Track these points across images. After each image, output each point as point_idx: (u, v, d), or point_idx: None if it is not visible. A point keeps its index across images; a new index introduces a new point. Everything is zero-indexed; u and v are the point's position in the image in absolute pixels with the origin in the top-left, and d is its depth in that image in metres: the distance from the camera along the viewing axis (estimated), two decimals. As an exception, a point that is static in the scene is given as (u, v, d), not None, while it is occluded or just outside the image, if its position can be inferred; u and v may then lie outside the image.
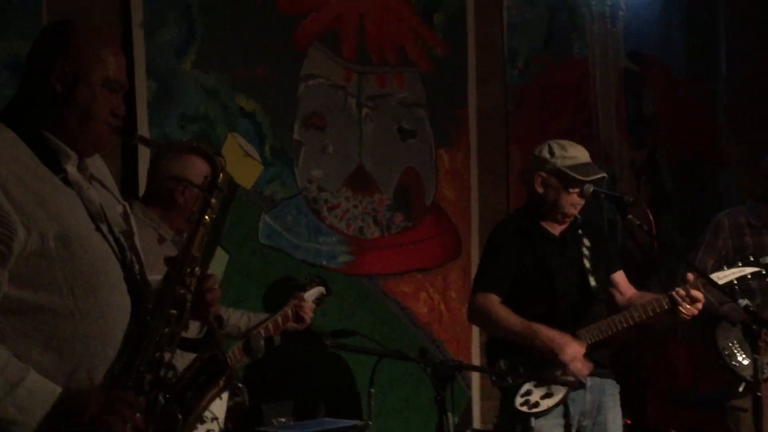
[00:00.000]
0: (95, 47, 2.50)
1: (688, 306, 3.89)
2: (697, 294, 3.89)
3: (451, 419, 3.27)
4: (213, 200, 2.59)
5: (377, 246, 5.83)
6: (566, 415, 3.93)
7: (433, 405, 3.19)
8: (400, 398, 5.75)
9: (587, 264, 4.05)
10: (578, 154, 4.05)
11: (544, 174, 4.05)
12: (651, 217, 4.03)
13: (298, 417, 4.99)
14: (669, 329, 6.73)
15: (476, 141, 6.26)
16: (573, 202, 4.01)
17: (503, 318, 3.92)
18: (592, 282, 4.02)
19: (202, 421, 3.72)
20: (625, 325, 3.99)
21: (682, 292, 3.89)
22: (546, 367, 3.86)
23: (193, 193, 3.72)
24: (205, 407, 2.46)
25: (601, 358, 4.00)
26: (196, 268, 2.52)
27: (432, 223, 6.07)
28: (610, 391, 4.06)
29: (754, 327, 3.76)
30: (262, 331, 4.09)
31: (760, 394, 3.86)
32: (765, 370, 4.89)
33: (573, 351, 3.84)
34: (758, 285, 5.02)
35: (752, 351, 3.84)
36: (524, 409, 3.89)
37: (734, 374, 4.96)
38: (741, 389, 4.92)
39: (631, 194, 6.53)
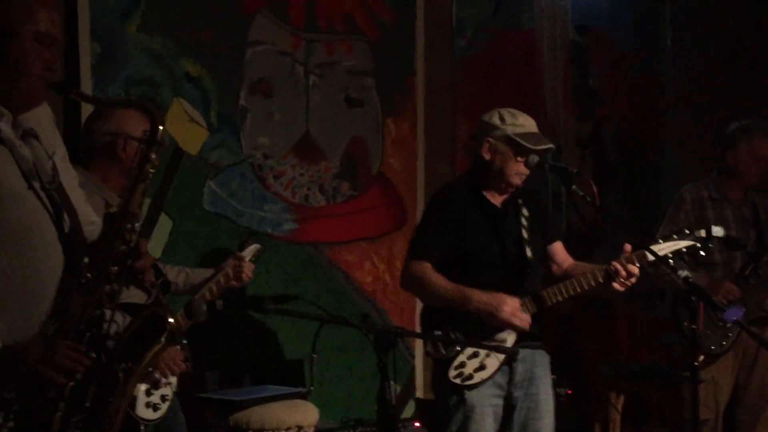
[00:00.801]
0: (25, 1, 2.46)
1: (622, 280, 3.86)
2: (633, 268, 3.87)
3: (394, 387, 3.27)
4: (152, 155, 2.55)
5: (323, 214, 5.82)
6: (499, 386, 3.90)
7: (376, 373, 3.18)
8: (344, 366, 5.76)
9: (525, 234, 3.99)
10: (527, 123, 4.02)
11: (492, 140, 3.97)
12: (594, 189, 4.04)
13: (242, 384, 4.98)
14: (612, 301, 6.80)
15: (423, 111, 6.26)
16: (519, 171, 3.95)
17: (436, 284, 3.85)
18: (529, 253, 3.96)
19: (157, 387, 3.71)
20: (560, 299, 3.93)
21: (618, 265, 3.86)
22: (481, 338, 3.82)
23: (133, 148, 3.65)
24: (148, 364, 2.45)
25: (532, 329, 3.94)
26: (136, 224, 2.49)
27: (378, 193, 6.07)
28: (541, 362, 4.02)
29: (692, 299, 3.81)
30: (207, 294, 4.06)
31: (696, 364, 3.91)
32: (724, 342, 4.97)
33: (510, 307, 3.80)
34: (721, 258, 5.09)
35: (690, 322, 3.89)
36: (457, 381, 3.83)
37: (696, 345, 5.02)
38: (700, 360, 4.99)
39: (576, 166, 6.56)
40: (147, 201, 3.86)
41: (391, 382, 3.28)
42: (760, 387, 5.13)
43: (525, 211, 4.02)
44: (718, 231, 3.95)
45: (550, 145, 4.01)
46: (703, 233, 3.94)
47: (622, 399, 5.83)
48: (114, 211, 2.51)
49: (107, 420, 2.39)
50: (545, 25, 6.95)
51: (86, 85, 4.79)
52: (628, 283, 3.87)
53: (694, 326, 3.88)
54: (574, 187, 3.91)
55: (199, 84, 5.32)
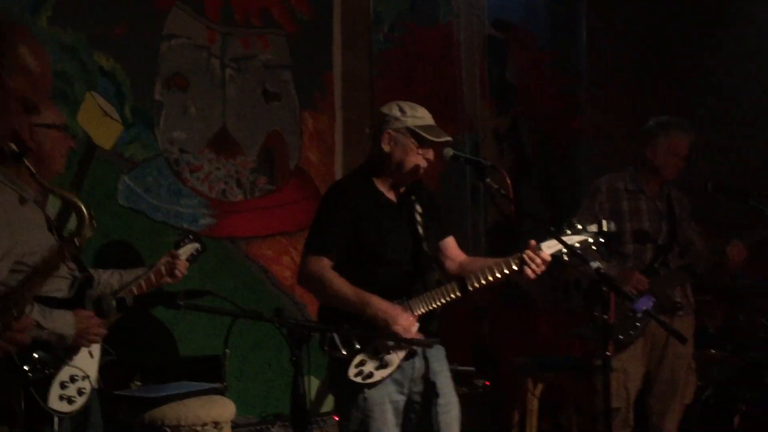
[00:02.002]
0: None
1: (534, 267, 3.88)
2: (545, 255, 3.91)
3: (309, 381, 3.26)
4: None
5: (240, 209, 5.79)
6: (398, 383, 3.87)
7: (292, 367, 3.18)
8: (262, 361, 5.74)
9: (420, 230, 3.97)
10: (426, 115, 3.99)
11: (392, 132, 3.94)
12: (509, 182, 4.06)
13: (158, 381, 4.93)
14: (529, 293, 6.87)
15: (341, 105, 6.26)
16: (419, 163, 3.93)
17: (335, 285, 3.80)
18: (425, 248, 3.95)
19: (73, 380, 3.67)
20: (481, 284, 3.92)
21: (531, 253, 3.89)
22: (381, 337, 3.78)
23: (42, 133, 3.62)
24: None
25: (430, 325, 3.93)
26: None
27: (296, 187, 6.06)
28: (438, 356, 4.01)
29: (603, 289, 3.85)
30: (134, 290, 4.01)
31: (609, 354, 3.95)
32: (631, 332, 5.05)
33: (405, 322, 3.76)
34: (633, 249, 5.17)
35: (602, 312, 3.94)
36: (358, 380, 3.79)
37: (608, 335, 5.08)
38: (608, 351, 5.06)
39: (494, 161, 6.61)
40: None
41: (310, 377, 3.28)
42: (670, 377, 5.22)
43: (418, 207, 3.99)
44: (609, 226, 4.00)
45: (449, 138, 3.97)
46: (594, 228, 3.98)
47: (539, 390, 5.89)
48: None
49: None
50: (462, 20, 6.99)
51: (-4, 79, 4.70)
52: (538, 270, 3.89)
53: (605, 316, 3.92)
54: (488, 180, 3.92)
55: (113, 78, 5.26)
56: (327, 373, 3.90)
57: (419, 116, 3.95)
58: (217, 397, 4.68)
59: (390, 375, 3.80)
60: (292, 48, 6.03)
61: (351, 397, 3.81)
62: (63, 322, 3.51)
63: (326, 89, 6.21)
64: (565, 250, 3.92)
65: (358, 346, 3.76)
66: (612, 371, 5.03)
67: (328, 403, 6.01)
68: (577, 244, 3.95)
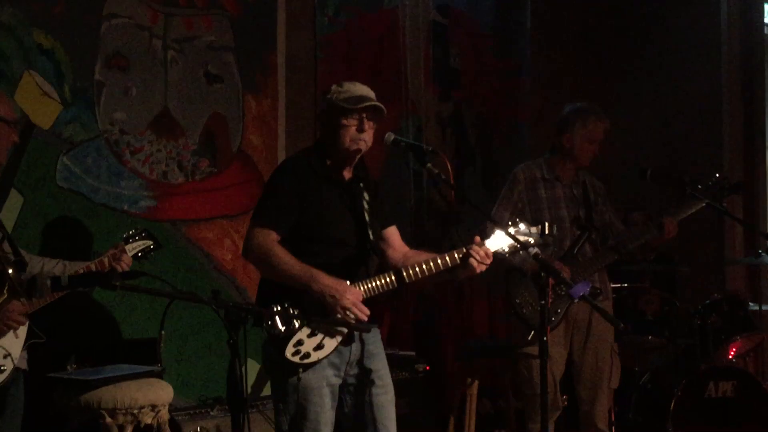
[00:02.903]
0: None
1: (478, 261, 3.89)
2: (489, 251, 3.92)
3: (247, 364, 3.25)
4: None
5: (181, 191, 5.75)
6: (335, 366, 3.85)
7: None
8: (202, 344, 5.72)
9: (366, 216, 3.94)
10: (355, 88, 3.95)
11: (324, 112, 3.95)
12: (449, 167, 4.06)
13: (96, 363, 4.90)
14: (466, 280, 6.90)
15: (284, 88, 6.23)
16: (351, 136, 3.87)
17: (282, 259, 3.75)
18: (371, 235, 3.95)
19: None
20: (419, 277, 3.93)
21: (476, 247, 3.90)
22: (321, 315, 3.78)
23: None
24: None
25: (370, 311, 3.92)
26: None
27: (238, 170, 6.03)
28: (374, 339, 4.01)
29: (542, 274, 3.88)
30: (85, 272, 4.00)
31: (546, 339, 3.98)
32: (553, 318, 5.10)
33: (352, 296, 3.74)
34: (552, 237, 5.21)
35: (540, 298, 3.97)
36: (296, 359, 3.74)
37: (525, 323, 5.13)
38: (530, 337, 5.10)
39: (437, 146, 6.63)
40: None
41: (248, 361, 3.27)
42: (594, 363, 5.26)
43: (366, 195, 3.99)
44: (552, 230, 4.02)
45: (371, 103, 3.91)
46: (536, 230, 4.00)
47: (479, 374, 5.92)
48: None
49: None
50: (407, 4, 6.99)
51: (-69, 56, 4.63)
52: (484, 265, 3.90)
53: (543, 302, 3.95)
54: (429, 165, 3.92)
55: (52, 56, 5.19)
56: (263, 354, 3.86)
57: (344, 90, 3.92)
58: (155, 380, 4.66)
59: (327, 356, 3.79)
60: (235, 30, 5.99)
61: (287, 379, 3.78)
62: None
63: (269, 72, 6.18)
64: (506, 249, 3.94)
65: (296, 325, 3.73)
66: (534, 357, 5.13)
67: (269, 387, 6.01)
68: (518, 246, 3.97)
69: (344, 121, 3.87)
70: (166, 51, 5.68)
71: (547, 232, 3.95)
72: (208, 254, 5.87)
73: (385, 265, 4.04)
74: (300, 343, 3.75)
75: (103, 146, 5.40)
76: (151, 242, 4.47)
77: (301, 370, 3.75)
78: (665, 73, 7.69)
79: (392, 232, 4.15)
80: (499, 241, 3.97)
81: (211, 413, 5.32)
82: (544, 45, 7.76)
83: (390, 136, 4.00)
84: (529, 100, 7.70)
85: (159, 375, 4.76)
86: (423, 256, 4.00)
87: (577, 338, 5.25)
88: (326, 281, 3.73)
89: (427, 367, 6.12)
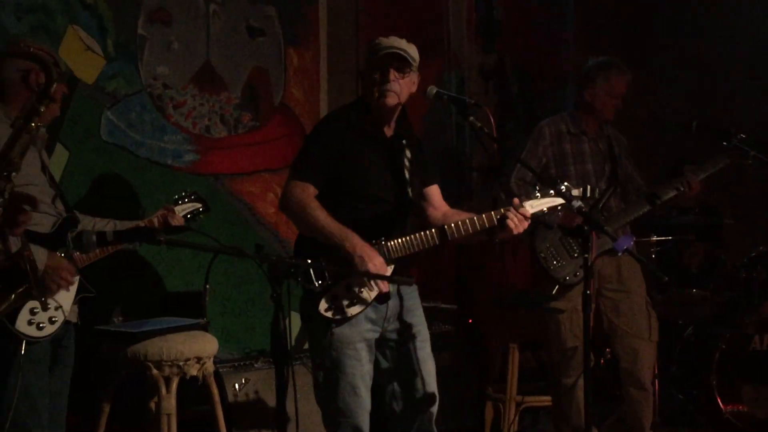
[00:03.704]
0: None
1: (516, 224, 3.86)
2: (527, 213, 3.89)
3: (289, 318, 3.27)
4: (42, 108, 2.49)
5: (224, 145, 5.77)
6: (372, 321, 3.85)
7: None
8: (246, 298, 5.76)
9: (407, 174, 3.92)
10: (387, 41, 3.89)
11: (364, 68, 3.94)
12: (492, 120, 4.04)
13: (141, 316, 4.95)
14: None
15: (326, 40, 6.21)
16: (378, 89, 3.84)
17: (317, 215, 3.74)
18: (410, 193, 3.92)
19: (45, 308, 3.71)
20: (461, 234, 3.91)
21: (513, 211, 3.86)
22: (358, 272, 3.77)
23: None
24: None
25: (406, 269, 3.92)
26: (13, 173, 2.43)
27: (280, 123, 6.03)
28: (412, 294, 4.01)
29: (585, 228, 3.87)
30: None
31: (589, 293, 3.98)
32: (569, 276, 5.07)
33: (379, 264, 3.72)
34: (594, 200, 5.18)
35: (583, 251, 3.96)
36: (329, 314, 3.77)
37: (549, 276, 5.11)
38: (554, 292, 5.09)
39: (480, 98, 6.59)
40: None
41: (291, 313, 3.28)
42: (630, 317, 5.18)
43: (408, 153, 3.96)
44: (594, 192, 3.99)
45: (388, 51, 3.86)
46: (578, 192, 3.96)
47: (521, 327, 5.92)
48: None
49: None
50: (450, -45, 6.93)
51: (-24, 12, 4.66)
52: (520, 228, 3.87)
53: (586, 255, 3.94)
54: (471, 118, 3.89)
55: (95, 11, 5.20)
56: (300, 308, 3.88)
57: (381, 45, 3.88)
58: (200, 333, 4.70)
59: (361, 312, 3.80)
60: (276, -18, 5.98)
61: (322, 332, 3.81)
62: (38, 258, 3.51)
63: (311, 25, 6.16)
64: (545, 210, 3.92)
65: (330, 281, 3.75)
66: (562, 312, 5.12)
67: (312, 340, 6.05)
68: (559, 208, 3.95)
69: (372, 75, 3.85)
70: (208, 5, 5.67)
71: (588, 195, 3.93)
72: (251, 208, 5.90)
73: (424, 224, 4.03)
74: (334, 298, 3.76)
75: (146, 101, 5.42)
76: (200, 204, 4.55)
77: (334, 325, 3.76)
78: (711, 28, 7.56)
79: (434, 191, 4.13)
80: (538, 202, 3.94)
81: (255, 365, 5.37)
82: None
83: (432, 90, 3.97)
84: (572, 52, 7.62)
85: (204, 328, 4.80)
86: (463, 215, 3.98)
87: (607, 294, 5.21)
88: (357, 243, 3.71)
89: (470, 321, 6.13)
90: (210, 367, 4.63)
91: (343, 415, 3.82)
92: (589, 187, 3.94)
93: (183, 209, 4.45)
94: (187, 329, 4.66)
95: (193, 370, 4.55)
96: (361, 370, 3.83)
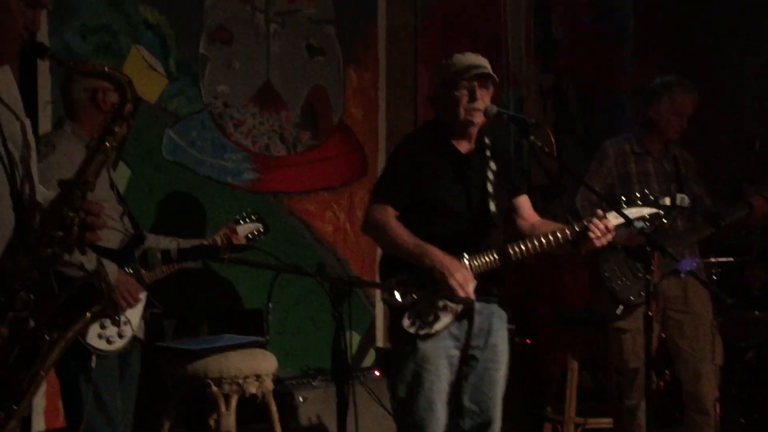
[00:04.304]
0: None
1: (599, 235, 3.83)
2: (610, 225, 3.86)
3: (350, 336, 3.27)
4: (116, 128, 2.52)
5: (283, 164, 5.81)
6: (455, 337, 3.85)
7: (334, 322, 3.19)
8: (303, 316, 5.78)
9: (490, 188, 3.91)
10: (464, 58, 3.91)
11: (437, 86, 3.95)
12: (553, 140, 4.02)
13: (199, 333, 4.99)
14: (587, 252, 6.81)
15: (385, 60, 6.23)
16: (464, 107, 3.86)
17: (397, 233, 3.80)
18: (492, 207, 3.91)
19: (115, 323, 3.76)
20: (526, 255, 3.90)
21: (596, 220, 3.84)
22: (437, 289, 3.78)
23: (113, 98, 3.76)
24: (72, 337, 2.43)
25: (490, 285, 3.92)
26: (88, 193, 2.46)
27: (339, 142, 6.06)
28: (498, 314, 4.01)
29: (647, 249, 3.83)
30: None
31: (651, 314, 3.94)
32: (633, 296, 5.01)
33: (462, 277, 3.72)
34: (683, 208, 5.11)
35: (645, 272, 3.92)
36: (413, 330, 3.79)
37: (613, 296, 5.07)
38: (618, 311, 5.04)
39: (538, 117, 6.57)
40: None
41: (351, 332, 3.29)
42: (694, 340, 5.12)
43: (493, 165, 3.96)
44: (683, 200, 3.95)
45: (484, 70, 3.89)
46: (667, 201, 3.93)
47: (579, 347, 5.87)
48: (68, 178, 2.47)
49: (27, 382, 2.37)
50: (508, -26, 6.92)
51: (42, 32, 4.72)
52: (604, 240, 3.85)
53: (648, 276, 3.91)
54: (532, 137, 3.87)
55: (158, 31, 5.27)
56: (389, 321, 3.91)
57: (454, 62, 3.91)
58: (259, 351, 4.73)
59: (445, 328, 3.80)
60: (336, 2, 6.00)
61: (405, 347, 3.82)
62: (108, 272, 3.56)
63: (370, 44, 6.18)
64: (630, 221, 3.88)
65: (414, 297, 3.76)
66: (624, 332, 5.06)
67: (369, 358, 6.06)
68: (647, 216, 3.91)
69: (456, 93, 3.86)
70: (268, 25, 5.72)
71: (678, 203, 3.89)
72: (310, 226, 5.92)
73: (514, 235, 4.02)
74: (417, 314, 3.78)
75: (207, 119, 5.48)
76: (261, 225, 4.63)
77: (418, 340, 3.78)
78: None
79: (522, 202, 4.12)
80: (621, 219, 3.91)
81: (313, 383, 5.37)
82: (646, 13, 7.60)
83: (493, 109, 3.96)
84: (630, 70, 7.57)
85: (262, 345, 4.83)
86: (550, 226, 3.97)
87: (672, 315, 5.15)
88: (438, 257, 3.72)
89: (527, 341, 6.10)
90: (269, 384, 4.66)
91: (419, 430, 3.83)
92: (678, 195, 3.91)
93: (245, 230, 4.51)
94: (247, 347, 4.69)
95: (253, 388, 4.58)
96: (439, 386, 3.84)
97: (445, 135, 3.95)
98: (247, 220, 4.57)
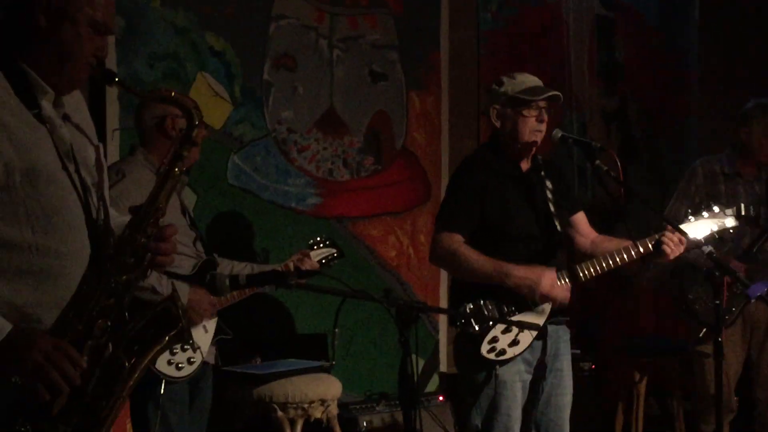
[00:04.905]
0: None
1: (671, 249, 3.80)
2: (683, 238, 3.83)
3: (416, 361, 3.26)
4: (185, 153, 2.55)
5: (346, 188, 5.83)
6: (527, 362, 3.83)
7: (399, 347, 3.18)
8: (367, 340, 5.78)
9: (551, 206, 3.90)
10: (527, 79, 3.91)
11: (497, 106, 3.90)
12: (619, 164, 4.00)
13: (264, 357, 5.01)
14: (633, 275, 6.77)
15: (447, 84, 6.24)
16: (531, 128, 3.85)
17: (471, 258, 3.75)
18: (558, 226, 3.90)
19: (184, 348, 3.79)
20: (594, 273, 3.87)
21: (669, 233, 3.81)
22: (515, 312, 3.77)
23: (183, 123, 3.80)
24: (150, 362, 2.45)
25: (559, 306, 3.89)
26: (160, 219, 2.49)
27: (402, 167, 6.07)
28: (564, 338, 3.97)
29: (716, 273, 3.79)
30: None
31: (721, 340, 3.88)
32: (727, 316, 4.95)
33: (549, 279, 3.72)
34: (731, 234, 5.04)
35: (714, 297, 3.87)
36: (491, 356, 3.74)
37: (697, 319, 5.00)
38: (702, 335, 4.98)
39: (602, 141, 6.52)
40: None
41: (414, 357, 3.28)
42: None
43: (549, 183, 3.94)
44: (749, 211, 3.90)
45: (552, 93, 3.89)
46: (732, 212, 3.89)
47: (645, 374, 5.81)
48: (140, 204, 2.50)
49: (107, 408, 2.39)
50: (571, -1, 6.91)
51: (110, 60, 4.79)
52: (677, 251, 3.82)
53: (718, 301, 3.86)
54: (598, 162, 3.86)
55: (224, 58, 5.33)
56: (455, 348, 3.88)
57: (517, 82, 3.90)
58: (324, 375, 4.74)
59: (522, 353, 3.78)
60: (399, 28, 6.03)
61: (480, 374, 3.79)
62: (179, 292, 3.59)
63: (433, 69, 6.19)
64: (698, 237, 3.85)
65: (490, 323, 3.73)
66: (708, 357, 4.99)
67: (432, 383, 6.04)
68: (715, 228, 3.88)
69: (525, 113, 3.85)
70: (332, 51, 5.76)
71: (743, 213, 3.85)
72: (373, 251, 5.93)
73: (573, 253, 3.99)
74: (495, 340, 3.75)
75: (271, 145, 5.52)
76: (334, 250, 4.60)
77: (497, 366, 3.75)
78: None
79: (580, 218, 4.10)
80: (691, 230, 3.89)
81: (377, 408, 5.37)
82: (713, 36, 7.53)
83: (558, 133, 3.96)
84: (697, 93, 7.50)
85: (327, 370, 4.84)
86: (612, 242, 3.94)
87: (755, 338, 5.08)
88: (520, 273, 3.71)
89: (593, 366, 6.04)
90: (334, 409, 4.66)
91: None
92: (742, 204, 3.86)
93: (318, 254, 4.50)
94: (312, 371, 4.70)
95: (317, 413, 4.59)
96: (516, 411, 3.83)
97: (506, 155, 3.94)
98: (321, 245, 4.56)
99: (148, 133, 4.03)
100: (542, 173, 3.94)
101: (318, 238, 4.60)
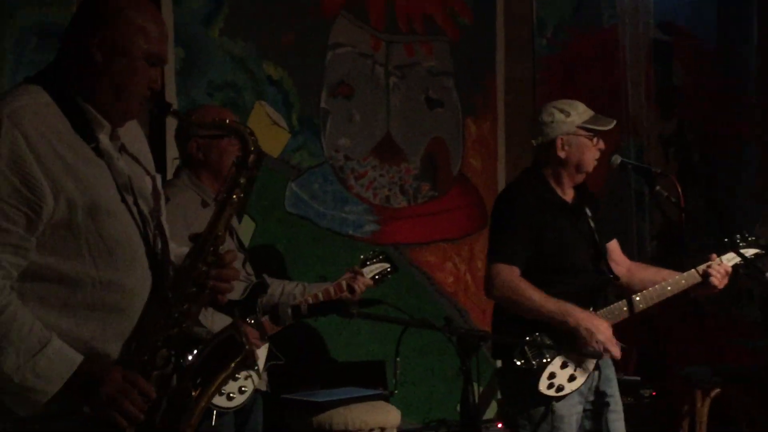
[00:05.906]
0: (139, 18, 2.45)
1: (719, 278, 3.78)
2: (728, 268, 3.80)
3: (476, 388, 3.25)
4: (242, 180, 2.56)
5: (404, 215, 5.83)
6: (582, 394, 3.82)
7: (457, 374, 3.16)
8: (425, 368, 5.76)
9: (597, 238, 3.87)
10: (585, 108, 3.93)
11: (564, 136, 3.87)
12: (679, 189, 3.97)
13: (324, 385, 5.01)
14: (696, 301, 6.68)
15: (503, 110, 6.23)
16: (594, 157, 3.89)
17: (532, 295, 3.70)
18: (607, 258, 3.87)
19: (235, 378, 3.77)
20: (650, 304, 3.84)
21: (714, 265, 3.78)
22: (572, 347, 3.72)
23: (206, 145, 3.81)
24: (217, 390, 2.46)
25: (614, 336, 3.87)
26: (220, 247, 2.51)
27: (458, 193, 6.06)
28: (609, 363, 3.93)
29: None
30: (309, 299, 4.08)
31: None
32: None
33: (608, 331, 3.70)
34: None
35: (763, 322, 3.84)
36: (551, 392, 3.72)
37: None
38: None
39: (659, 166, 6.49)
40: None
41: (476, 385, 3.27)
42: None
43: (588, 211, 3.93)
44: None
45: (614, 121, 3.91)
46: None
47: (708, 401, 5.73)
48: (200, 232, 2.52)
49: None
50: (627, 23, 6.87)
51: (170, 90, 4.87)
52: (723, 283, 3.79)
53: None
54: (658, 188, 3.85)
55: (281, 87, 5.37)
56: (499, 380, 3.86)
57: (581, 111, 3.90)
58: (382, 403, 4.73)
59: (579, 388, 3.75)
60: (454, 54, 6.04)
61: (538, 409, 3.77)
62: (222, 325, 3.60)
63: (489, 95, 6.19)
64: (741, 262, 3.82)
65: (548, 358, 3.70)
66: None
67: (491, 411, 6.00)
68: (753, 256, 3.85)
69: (591, 143, 3.84)
70: (388, 77, 5.78)
71: None
72: (430, 277, 5.92)
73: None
74: (553, 375, 3.72)
75: (328, 172, 5.54)
76: (388, 265, 4.45)
77: (555, 402, 3.72)
78: None
79: (614, 247, 4.09)
80: (735, 258, 3.86)
81: (435, 436, 5.35)
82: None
83: (617, 159, 3.95)
84: (756, 117, 7.42)
85: (386, 398, 4.83)
86: (649, 270, 3.94)
87: None
88: (580, 315, 3.68)
89: (653, 393, 5.96)
90: (393, 437, 4.65)
91: None
92: None
93: (371, 270, 4.40)
94: (370, 399, 4.69)
95: (377, 440, 4.57)
96: None
97: (552, 185, 3.91)
98: (374, 260, 4.47)
99: (195, 152, 3.97)
100: (584, 202, 3.92)
101: (371, 253, 4.48)
